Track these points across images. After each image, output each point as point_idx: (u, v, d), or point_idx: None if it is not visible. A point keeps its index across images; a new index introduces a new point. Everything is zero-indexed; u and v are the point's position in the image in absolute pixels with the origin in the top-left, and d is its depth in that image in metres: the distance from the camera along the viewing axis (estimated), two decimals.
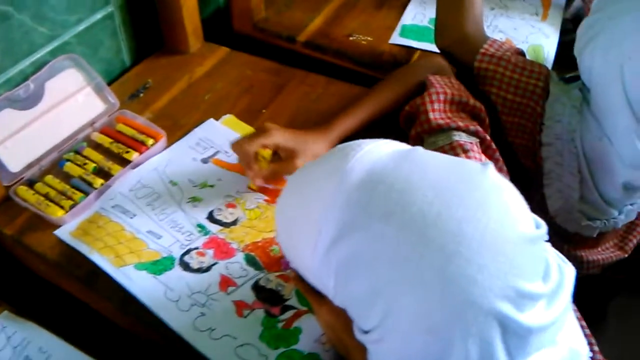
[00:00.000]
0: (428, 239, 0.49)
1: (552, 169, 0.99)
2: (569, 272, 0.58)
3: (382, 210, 0.51)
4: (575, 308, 0.77)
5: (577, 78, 0.96)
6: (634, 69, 0.84)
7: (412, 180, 0.51)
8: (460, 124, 0.88)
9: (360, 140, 0.57)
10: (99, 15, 1.04)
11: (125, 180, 0.90)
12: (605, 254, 1.11)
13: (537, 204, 1.05)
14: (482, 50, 0.98)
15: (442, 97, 0.92)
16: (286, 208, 0.59)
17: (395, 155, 0.54)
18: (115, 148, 0.94)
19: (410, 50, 1.16)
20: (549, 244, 0.59)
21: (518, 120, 0.98)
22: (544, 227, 0.55)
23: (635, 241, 1.12)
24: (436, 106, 0.91)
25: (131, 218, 0.85)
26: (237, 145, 0.85)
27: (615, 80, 0.86)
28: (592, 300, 1.23)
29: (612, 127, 0.90)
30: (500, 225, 0.50)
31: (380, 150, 0.55)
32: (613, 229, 1.06)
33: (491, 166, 0.55)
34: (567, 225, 1.04)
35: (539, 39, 1.18)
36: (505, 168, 0.92)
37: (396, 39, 1.19)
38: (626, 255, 1.12)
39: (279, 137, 0.85)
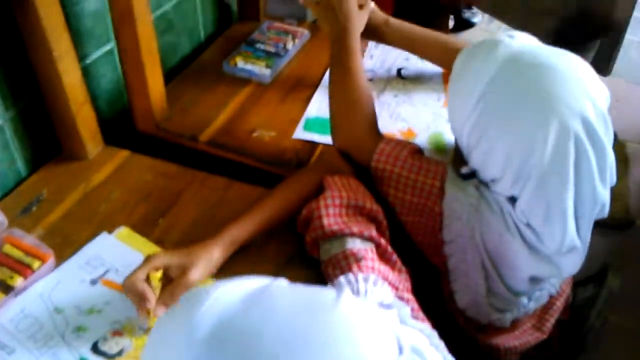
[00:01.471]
0: None
1: (456, 265, 0.99)
2: None
3: None
4: None
5: (474, 174, 0.96)
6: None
7: (259, 329, 0.50)
8: (355, 229, 0.88)
9: (211, 286, 0.56)
10: None
11: (7, 310, 0.85)
12: (523, 338, 1.10)
13: (448, 298, 1.04)
14: (377, 150, 0.98)
15: (337, 201, 0.91)
16: None
17: (246, 299, 0.53)
18: (0, 274, 0.89)
19: (314, 145, 1.16)
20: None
21: (418, 219, 0.98)
22: (408, 348, 0.53)
23: (552, 320, 1.12)
24: (331, 211, 0.90)
25: (9, 354, 0.80)
26: (125, 283, 0.81)
27: None
28: None
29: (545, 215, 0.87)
30: None
31: (230, 296, 0.53)
32: (526, 314, 1.06)
33: (345, 293, 0.54)
34: (478, 317, 1.03)
35: (441, 126, 1.20)
36: (404, 268, 0.91)
37: (300, 133, 1.19)
38: (545, 337, 1.11)
39: (163, 257, 0.82)
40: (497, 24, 2.77)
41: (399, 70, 1.39)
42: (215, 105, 1.25)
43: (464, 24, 2.80)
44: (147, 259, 0.82)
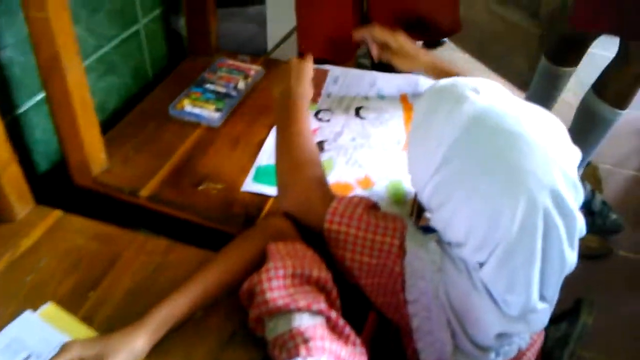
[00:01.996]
0: None
1: (421, 324, 0.91)
2: None
3: None
4: None
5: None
6: None
7: None
8: (302, 303, 0.80)
9: None
10: None
11: None
12: None
13: (411, 356, 0.97)
14: (330, 210, 0.90)
15: (281, 272, 0.83)
16: None
17: None
18: None
19: (264, 197, 1.08)
20: None
21: (378, 280, 0.90)
22: None
23: None
24: (275, 283, 0.82)
25: None
26: None
27: None
28: None
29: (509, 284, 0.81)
30: None
31: None
32: None
33: None
34: None
35: (399, 173, 1.12)
36: (358, 340, 0.84)
37: (249, 185, 1.10)
38: None
39: (79, 347, 0.74)
40: None
41: (357, 110, 1.32)
42: (160, 154, 1.17)
43: (433, 42, 2.75)
44: (63, 348, 0.74)
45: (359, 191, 1.10)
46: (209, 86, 1.31)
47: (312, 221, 0.93)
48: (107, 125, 1.26)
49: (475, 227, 0.78)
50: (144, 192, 1.09)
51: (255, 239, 0.90)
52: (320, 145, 1.21)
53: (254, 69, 1.39)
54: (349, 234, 0.89)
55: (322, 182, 0.97)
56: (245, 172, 1.13)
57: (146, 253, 0.97)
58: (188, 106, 1.25)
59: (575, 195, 0.78)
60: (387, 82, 1.40)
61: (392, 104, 1.32)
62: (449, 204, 0.80)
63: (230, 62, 1.40)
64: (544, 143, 0.77)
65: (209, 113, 1.24)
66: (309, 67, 1.12)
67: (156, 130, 1.23)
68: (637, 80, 1.70)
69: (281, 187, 0.98)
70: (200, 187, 1.09)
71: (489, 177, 0.76)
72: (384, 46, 1.27)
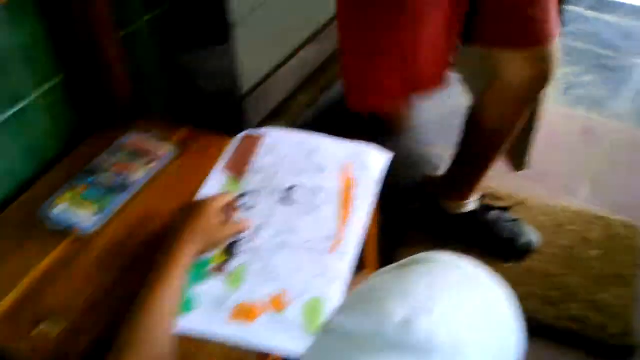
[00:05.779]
0: None
1: None
2: None
3: None
4: None
5: None
6: None
7: None
8: None
9: None
10: None
11: None
12: None
13: None
14: None
15: None
16: None
17: None
18: None
19: None
20: None
21: None
22: None
23: None
24: None
25: None
26: None
27: None
28: None
29: None
30: None
31: None
32: None
33: None
34: None
35: (323, 285, 0.91)
36: None
37: None
38: None
39: None
40: None
41: (288, 190, 1.09)
42: (12, 275, 0.96)
43: None
44: None
45: (267, 314, 0.89)
46: (96, 177, 1.10)
47: None
48: None
49: None
50: None
51: None
52: (230, 250, 0.99)
53: (163, 152, 1.16)
54: None
55: None
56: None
57: None
58: (60, 207, 1.04)
59: None
60: (330, 150, 1.15)
61: (331, 179, 1.08)
62: None
63: (140, 138, 1.18)
64: None
65: (84, 216, 1.03)
66: (221, 200, 0.98)
67: (23, 238, 1.02)
68: None
69: None
70: (40, 328, 0.88)
71: None
72: None
